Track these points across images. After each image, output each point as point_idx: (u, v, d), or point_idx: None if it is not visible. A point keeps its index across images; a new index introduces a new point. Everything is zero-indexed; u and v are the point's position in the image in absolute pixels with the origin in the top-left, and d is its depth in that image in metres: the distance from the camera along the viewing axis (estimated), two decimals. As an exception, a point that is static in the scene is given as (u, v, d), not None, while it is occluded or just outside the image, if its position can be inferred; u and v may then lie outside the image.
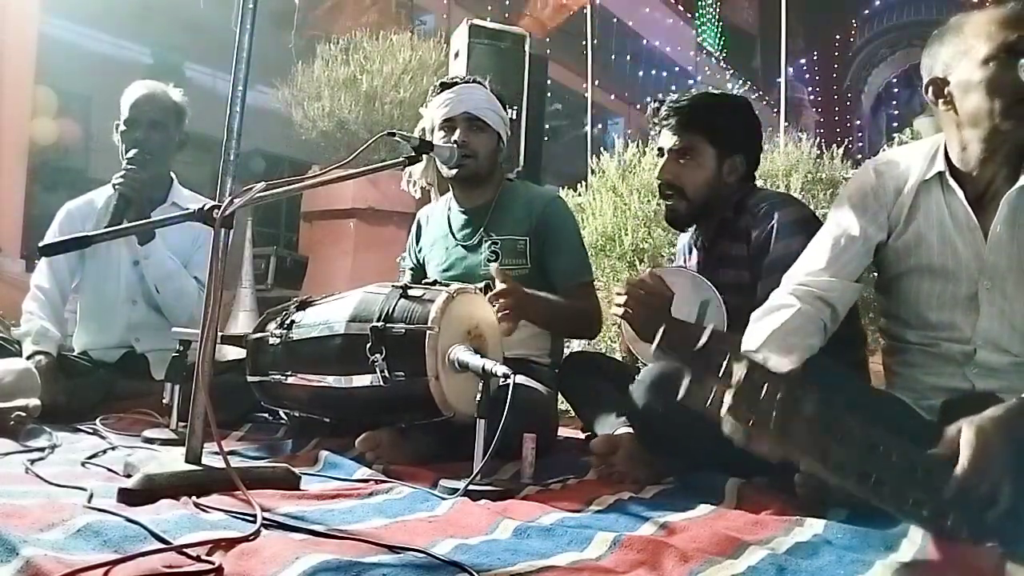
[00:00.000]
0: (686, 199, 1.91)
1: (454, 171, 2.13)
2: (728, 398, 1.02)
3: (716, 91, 2.03)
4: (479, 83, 2.23)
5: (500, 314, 1.83)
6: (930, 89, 1.47)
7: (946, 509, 1.07)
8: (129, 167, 2.41)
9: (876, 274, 1.65)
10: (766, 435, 1.03)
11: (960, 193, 1.46)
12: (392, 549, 1.04)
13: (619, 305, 1.80)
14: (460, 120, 2.12)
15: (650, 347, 1.73)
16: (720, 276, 1.91)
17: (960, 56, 1.41)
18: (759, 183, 2.10)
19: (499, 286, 1.84)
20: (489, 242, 2.17)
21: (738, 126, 1.96)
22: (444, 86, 2.20)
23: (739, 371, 1.02)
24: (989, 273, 1.44)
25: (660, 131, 1.97)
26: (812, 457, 1.04)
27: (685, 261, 2.11)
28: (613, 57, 14.47)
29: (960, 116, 1.42)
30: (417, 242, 2.39)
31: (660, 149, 1.97)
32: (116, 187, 2.38)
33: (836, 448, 1.04)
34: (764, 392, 1.02)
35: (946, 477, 1.08)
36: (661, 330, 1.08)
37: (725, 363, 1.03)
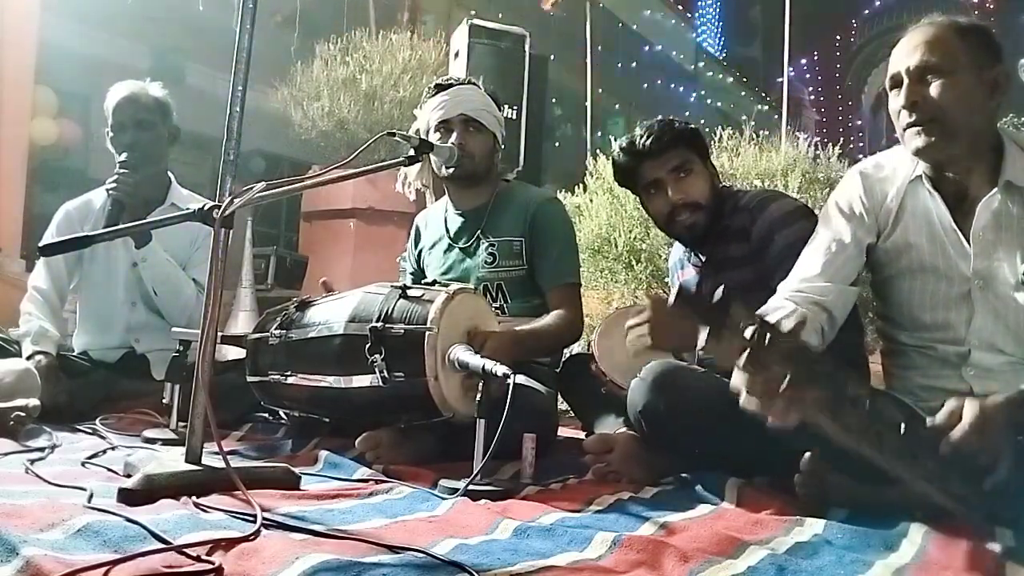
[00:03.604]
0: (701, 209, 1.94)
1: (450, 171, 2.13)
2: (742, 357, 1.06)
3: (668, 117, 2.08)
4: (473, 84, 2.22)
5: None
6: None
7: (947, 472, 1.09)
8: (121, 171, 2.38)
9: (870, 275, 1.65)
10: (778, 394, 1.06)
11: (938, 196, 1.47)
12: (392, 549, 1.04)
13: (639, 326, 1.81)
14: (456, 122, 2.11)
15: (623, 368, 1.77)
16: (722, 280, 1.92)
17: None
18: (757, 183, 2.12)
19: (489, 343, 1.72)
20: (486, 244, 2.17)
21: (703, 139, 2.06)
22: (439, 88, 2.18)
23: (752, 329, 1.05)
24: (980, 273, 1.45)
25: (638, 168, 1.97)
26: (823, 413, 1.07)
27: (678, 278, 2.14)
28: (613, 57, 14.48)
29: None
30: (416, 246, 2.38)
31: (654, 182, 1.96)
32: (109, 192, 2.37)
33: (844, 407, 1.06)
34: (777, 350, 1.05)
35: (946, 441, 1.10)
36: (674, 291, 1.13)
37: (740, 322, 1.07)
